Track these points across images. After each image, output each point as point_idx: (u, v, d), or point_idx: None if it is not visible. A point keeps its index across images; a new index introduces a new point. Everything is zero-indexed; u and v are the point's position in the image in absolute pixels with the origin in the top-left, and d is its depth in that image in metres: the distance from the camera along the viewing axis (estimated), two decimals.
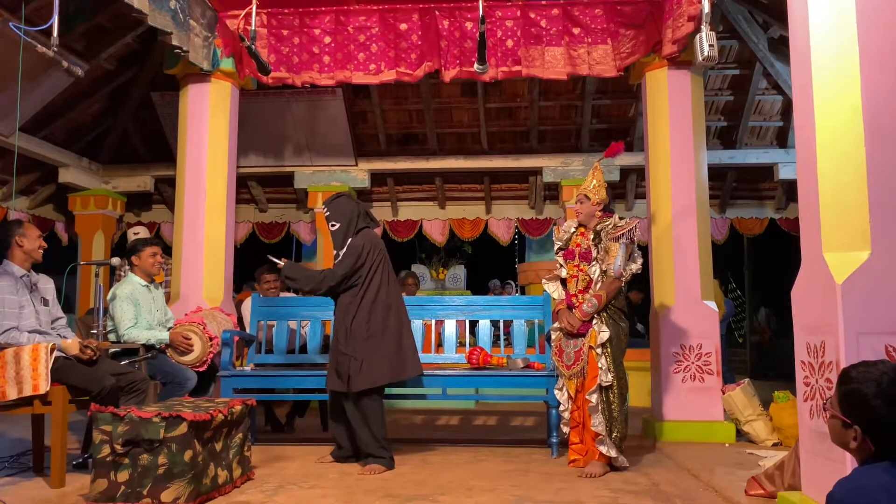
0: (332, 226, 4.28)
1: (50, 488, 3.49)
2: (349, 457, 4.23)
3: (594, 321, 4.08)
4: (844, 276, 2.61)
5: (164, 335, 4.48)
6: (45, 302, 3.88)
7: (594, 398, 3.99)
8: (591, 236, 4.21)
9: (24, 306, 3.68)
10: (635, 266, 4.12)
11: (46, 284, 3.95)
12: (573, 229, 4.38)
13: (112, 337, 4.48)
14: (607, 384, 3.99)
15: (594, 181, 4.29)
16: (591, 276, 4.15)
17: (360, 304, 4.14)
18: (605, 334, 4.03)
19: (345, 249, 4.21)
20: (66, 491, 3.46)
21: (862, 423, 1.73)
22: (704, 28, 4.32)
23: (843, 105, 2.73)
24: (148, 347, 4.43)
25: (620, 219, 4.20)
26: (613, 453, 3.97)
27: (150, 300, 4.63)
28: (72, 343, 3.71)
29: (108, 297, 4.59)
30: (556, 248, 4.45)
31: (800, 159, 2.94)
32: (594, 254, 4.18)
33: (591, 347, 4.06)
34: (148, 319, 4.55)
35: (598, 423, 3.97)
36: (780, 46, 6.98)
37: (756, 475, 3.44)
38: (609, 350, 4.02)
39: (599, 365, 4.00)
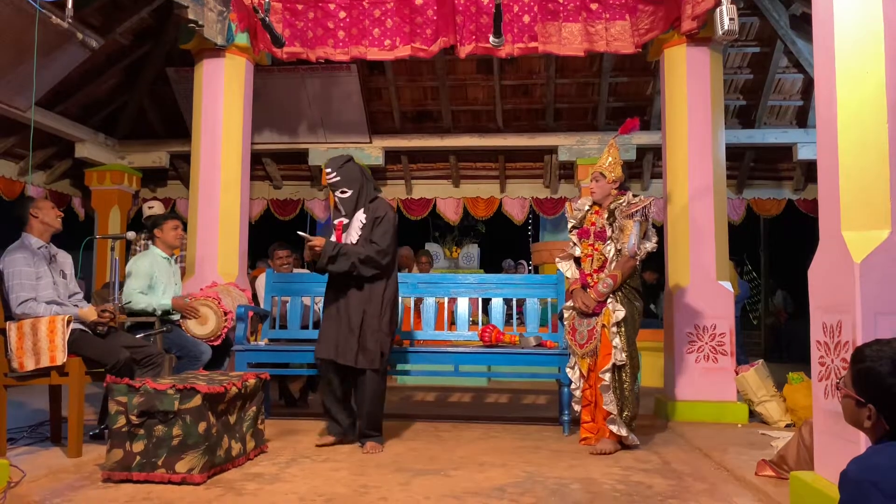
0: (343, 192, 4.00)
1: (67, 458, 3.55)
2: (344, 437, 4.06)
3: (609, 300, 4.05)
4: (863, 256, 2.56)
5: (167, 301, 4.52)
6: (64, 275, 3.92)
7: (607, 377, 3.98)
8: (606, 215, 4.17)
9: (42, 277, 3.72)
10: (650, 244, 4.08)
11: (65, 259, 3.99)
12: (587, 207, 4.33)
13: (127, 308, 4.53)
14: (621, 363, 3.98)
15: (610, 158, 4.24)
16: (607, 255, 4.11)
17: (390, 280, 4.03)
18: (620, 313, 4.00)
19: (370, 219, 3.96)
20: (82, 461, 3.51)
21: (876, 402, 1.71)
22: (725, 2, 4.24)
23: (866, 81, 2.67)
24: (163, 321, 4.48)
25: (634, 196, 4.16)
26: (624, 432, 3.98)
27: (171, 273, 4.71)
28: (89, 310, 3.76)
29: (128, 266, 4.64)
30: (569, 226, 4.40)
31: (820, 135, 2.89)
32: (609, 233, 4.13)
33: (604, 326, 4.04)
34: (166, 290, 4.62)
35: (609, 402, 3.97)
36: (802, 24, 6.85)
37: (765, 459, 3.43)
38: (623, 329, 4.01)
39: (614, 344, 3.98)
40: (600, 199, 4.23)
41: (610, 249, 4.10)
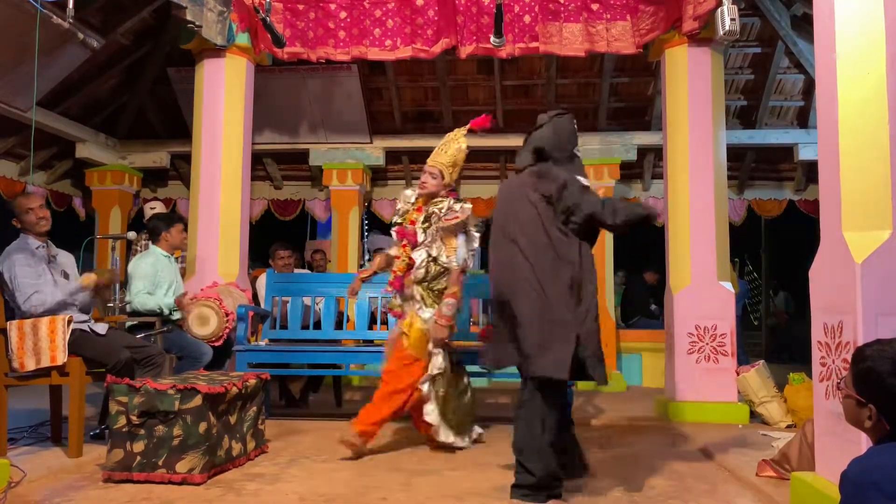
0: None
1: (68, 458, 3.56)
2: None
3: (417, 306, 3.84)
4: (864, 256, 2.56)
5: (170, 300, 4.53)
6: (66, 275, 3.92)
7: (425, 387, 3.80)
8: (422, 218, 3.89)
9: (42, 275, 3.72)
10: (470, 251, 3.94)
11: (66, 259, 3.99)
12: (413, 202, 4.01)
13: (129, 308, 4.54)
14: (439, 371, 3.82)
15: (451, 158, 4.04)
16: (416, 259, 3.84)
17: None
18: (423, 324, 3.79)
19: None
20: (83, 461, 3.52)
21: (877, 402, 1.70)
22: (726, 2, 4.25)
23: (867, 81, 2.67)
24: (164, 321, 4.48)
25: (456, 201, 3.93)
26: (451, 438, 3.86)
27: (173, 272, 4.75)
28: (87, 276, 3.81)
29: (129, 267, 4.65)
30: (392, 220, 4.08)
31: (821, 135, 2.89)
32: (420, 238, 3.85)
33: (403, 333, 3.83)
34: (169, 289, 4.63)
35: (430, 412, 3.81)
36: (803, 24, 6.84)
37: (766, 458, 3.43)
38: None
39: (431, 350, 3.78)
40: (428, 197, 3.92)
41: (421, 255, 3.82)
